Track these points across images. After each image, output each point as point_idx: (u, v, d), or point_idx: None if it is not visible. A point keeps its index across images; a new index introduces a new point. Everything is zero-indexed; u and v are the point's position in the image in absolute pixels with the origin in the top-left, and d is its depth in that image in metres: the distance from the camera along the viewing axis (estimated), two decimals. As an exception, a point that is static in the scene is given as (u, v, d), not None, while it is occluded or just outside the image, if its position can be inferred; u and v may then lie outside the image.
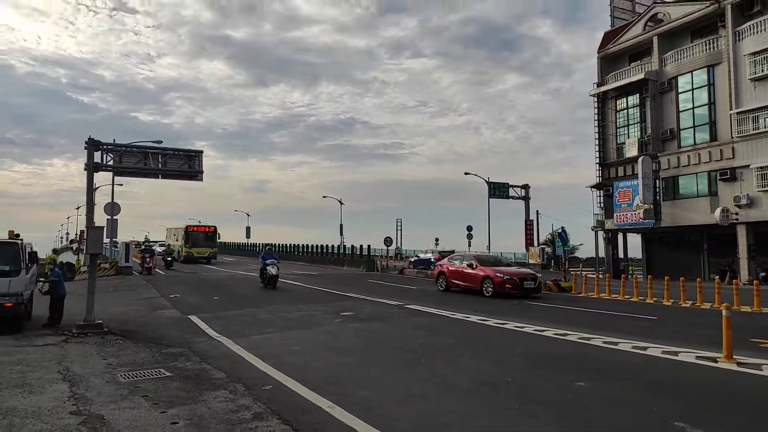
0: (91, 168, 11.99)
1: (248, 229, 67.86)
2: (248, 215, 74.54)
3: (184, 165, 13.46)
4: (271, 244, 53.79)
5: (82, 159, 12.35)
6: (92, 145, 11.92)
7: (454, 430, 4.91)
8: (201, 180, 14.06)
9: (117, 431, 4.85)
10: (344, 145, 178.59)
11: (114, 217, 26.52)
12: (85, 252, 26.99)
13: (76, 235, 71.48)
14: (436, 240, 48.90)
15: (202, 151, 13.90)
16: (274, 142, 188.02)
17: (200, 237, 41.72)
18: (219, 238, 44.95)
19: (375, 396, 6.07)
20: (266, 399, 5.89)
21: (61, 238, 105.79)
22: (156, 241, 59.43)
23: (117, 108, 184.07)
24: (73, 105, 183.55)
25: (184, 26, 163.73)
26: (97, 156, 12.09)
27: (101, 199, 45.37)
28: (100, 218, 29.18)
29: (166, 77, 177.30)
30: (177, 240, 43.17)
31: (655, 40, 30.73)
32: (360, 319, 12.45)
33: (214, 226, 42.70)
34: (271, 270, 20.42)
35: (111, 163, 12.47)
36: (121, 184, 55.54)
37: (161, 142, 26.08)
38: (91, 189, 12.40)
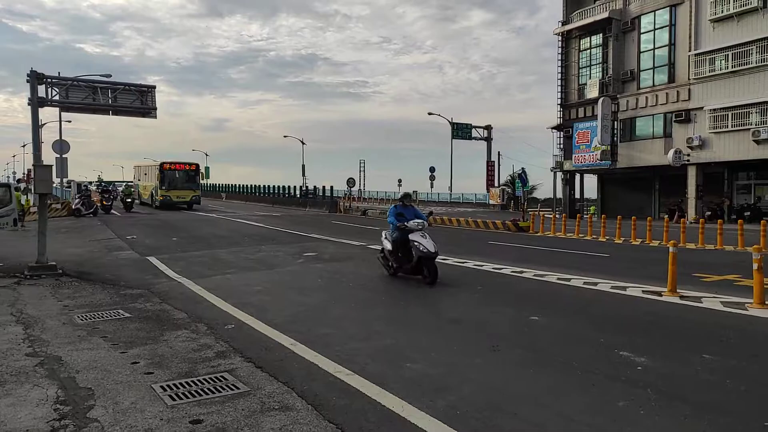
0: (35, 103, 11.30)
1: (207, 169, 66.24)
2: (207, 155, 72.74)
3: (136, 101, 12.83)
4: (408, 193, 38.09)
5: (24, 93, 11.69)
6: (35, 78, 11.18)
7: (414, 362, 5.08)
8: (155, 117, 13.48)
9: (76, 372, 4.81)
10: (306, 83, 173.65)
11: (63, 156, 25.40)
12: (33, 192, 25.90)
13: (24, 174, 68.37)
14: (399, 181, 49.09)
15: (155, 86, 13.25)
16: (232, 78, 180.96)
17: (179, 177, 34.86)
18: (203, 178, 39.41)
19: (337, 333, 6.19)
20: (228, 338, 5.93)
21: (8, 177, 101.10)
22: (114, 182, 56.66)
23: (61, 38, 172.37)
24: (10, 33, 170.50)
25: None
26: (41, 90, 11.38)
27: (49, 136, 42.81)
28: (49, 157, 27.78)
29: (113, 5, 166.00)
30: (149, 181, 38.05)
31: (621, -22, 30.36)
32: (323, 260, 12.53)
33: (196, 164, 36.89)
34: (423, 243, 9.34)
35: (57, 98, 11.78)
36: (69, 121, 52.78)
37: (110, 75, 24.72)
38: (36, 125, 11.74)
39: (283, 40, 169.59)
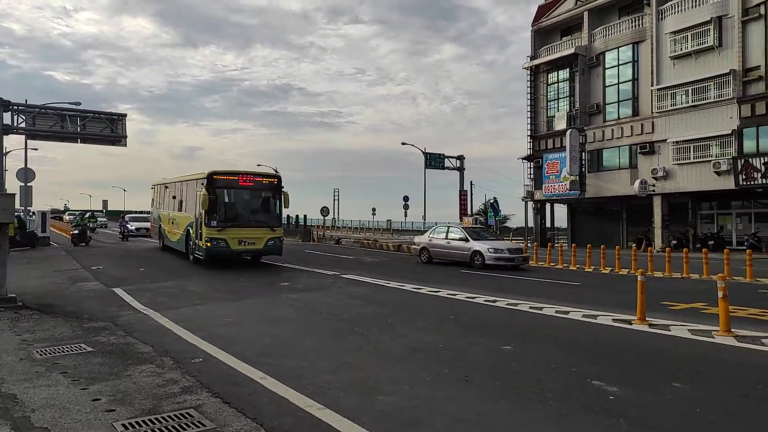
0: (0, 131, 11.05)
1: (178, 197, 65.53)
2: (178, 183, 71.67)
3: (106, 129, 12.73)
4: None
5: (-12, 120, 11.33)
6: (1, 105, 10.96)
7: (386, 395, 4.99)
8: (125, 145, 13.43)
9: (31, 410, 4.57)
10: (280, 112, 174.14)
11: (28, 184, 24.71)
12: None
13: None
14: (373, 210, 49.16)
15: (125, 115, 13.23)
16: (205, 106, 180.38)
17: (246, 200, 17.78)
18: (287, 205, 18.16)
19: (308, 366, 6.05)
20: (196, 372, 5.74)
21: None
22: (86, 211, 54.12)
23: (30, 65, 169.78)
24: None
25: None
26: (6, 117, 11.16)
27: (14, 164, 40.99)
28: (13, 185, 27.01)
29: (85, 33, 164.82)
30: (184, 209, 19.84)
31: (586, 15, 31.63)
32: (296, 290, 12.36)
33: (277, 177, 18.59)
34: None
35: (23, 125, 11.62)
36: (36, 149, 51.70)
37: (80, 103, 24.32)
38: (0, 153, 11.44)
39: (257, 70, 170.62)
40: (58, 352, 6.63)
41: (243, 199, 17.37)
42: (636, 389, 5.17)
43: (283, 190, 17.55)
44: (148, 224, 33.74)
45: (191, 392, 5.06)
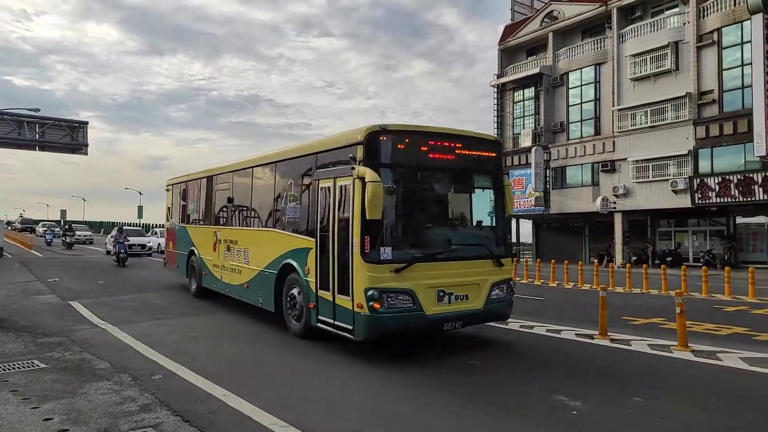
0: (-49, 136, 10.59)
1: (140, 208, 63.65)
2: (140, 193, 70.09)
3: (66, 137, 12.46)
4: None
5: (-61, 125, 10.85)
6: (-48, 110, 10.51)
7: (352, 412, 4.93)
8: (86, 154, 13.20)
9: (-23, 432, 4.34)
10: (248, 123, 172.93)
11: (-19, 192, 23.67)
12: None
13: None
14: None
15: (87, 122, 12.98)
16: (171, 116, 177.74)
17: (441, 197, 7.81)
18: (510, 210, 8.44)
19: (275, 383, 5.95)
20: (155, 389, 5.56)
21: None
22: (66, 222, 50.28)
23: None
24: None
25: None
26: (-42, 123, 10.70)
27: None
28: (-36, 193, 25.88)
29: (46, 38, 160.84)
30: (267, 216, 9.81)
31: (551, 36, 32.53)
32: (254, 307, 12.13)
33: (496, 142, 8.36)
34: None
35: (-24, 131, 11.10)
36: (-9, 156, 49.67)
37: (39, 110, 23.60)
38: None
39: (226, 80, 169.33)
40: (9, 369, 6.33)
41: (437, 196, 7.79)
42: (599, 404, 5.25)
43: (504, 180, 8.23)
44: (149, 240, 29.69)
45: (150, 410, 4.89)
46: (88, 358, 6.91)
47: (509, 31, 35.86)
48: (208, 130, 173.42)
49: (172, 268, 14.86)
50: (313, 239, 7.62)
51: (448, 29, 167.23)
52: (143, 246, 28.25)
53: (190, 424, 4.55)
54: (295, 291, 8.23)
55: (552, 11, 33.18)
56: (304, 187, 8.27)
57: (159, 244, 28.26)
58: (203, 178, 12.79)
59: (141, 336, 8.33)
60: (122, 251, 21.73)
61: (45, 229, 48.85)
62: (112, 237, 25.01)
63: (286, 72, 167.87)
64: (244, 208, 10.81)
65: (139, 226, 60.79)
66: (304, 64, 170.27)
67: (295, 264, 8.13)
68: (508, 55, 35.88)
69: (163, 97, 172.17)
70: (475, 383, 5.98)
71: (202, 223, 12.81)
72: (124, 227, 28.05)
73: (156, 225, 52.31)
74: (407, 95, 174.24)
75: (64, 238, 34.00)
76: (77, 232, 36.68)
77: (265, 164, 9.94)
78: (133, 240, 26.38)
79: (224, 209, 11.59)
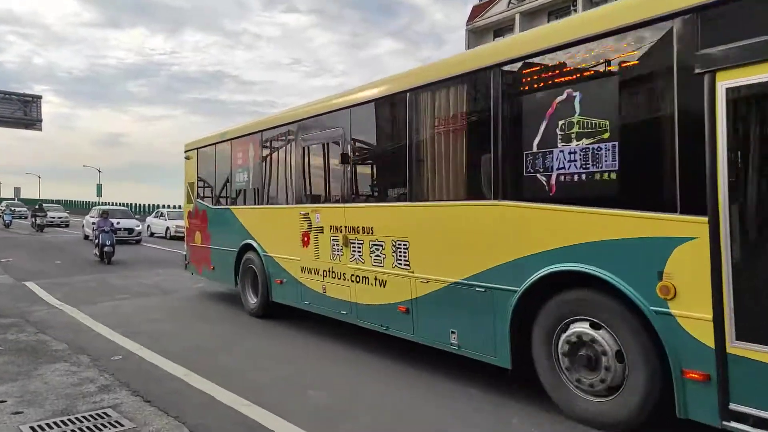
0: None
1: (99, 186, 61.76)
2: (99, 171, 67.82)
3: (18, 111, 11.94)
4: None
5: None
6: None
7: (317, 389, 4.96)
8: (40, 129, 12.57)
9: (-74, 416, 4.20)
10: (212, 100, 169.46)
11: (-73, 169, 22.52)
12: None
13: None
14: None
15: (40, 96, 12.51)
16: (131, 91, 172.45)
17: None
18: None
19: (240, 363, 5.92)
20: (114, 370, 5.47)
21: None
22: (36, 201, 45.04)
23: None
24: None
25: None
26: None
27: None
28: None
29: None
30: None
31: (517, 17, 32.66)
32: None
33: None
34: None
35: None
36: (-63, 131, 46.86)
37: (-12, 83, 22.50)
38: None
39: (188, 55, 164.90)
40: (-41, 352, 6.12)
41: None
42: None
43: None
44: (137, 223, 23.87)
45: (109, 391, 4.82)
46: (45, 340, 6.73)
47: (477, 11, 35.83)
48: (171, 106, 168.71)
49: (203, 271, 10.15)
50: (704, 218, 3.34)
51: (417, 8, 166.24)
52: (131, 231, 23.05)
53: (150, 404, 4.50)
54: (603, 342, 3.95)
55: (519, -8, 33.28)
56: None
57: (168, 229, 26.35)
58: (271, 130, 8.02)
59: (100, 316, 8.16)
60: (108, 243, 15.44)
61: (3, 208, 40.61)
62: (93, 223, 18.58)
63: (251, 48, 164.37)
64: (393, 168, 6.01)
65: (102, 204, 58.67)
66: (270, 40, 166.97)
67: (613, 278, 3.79)
68: (476, 36, 35.88)
69: (123, 72, 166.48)
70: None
71: (271, 201, 8.04)
72: (105, 207, 24.26)
73: (122, 204, 49.88)
74: (376, 74, 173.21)
75: (33, 220, 31.17)
76: (50, 213, 32.37)
77: (470, 74, 4.96)
78: (128, 223, 23.18)
79: (330, 176, 6.94)
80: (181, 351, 6.25)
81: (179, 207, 41.04)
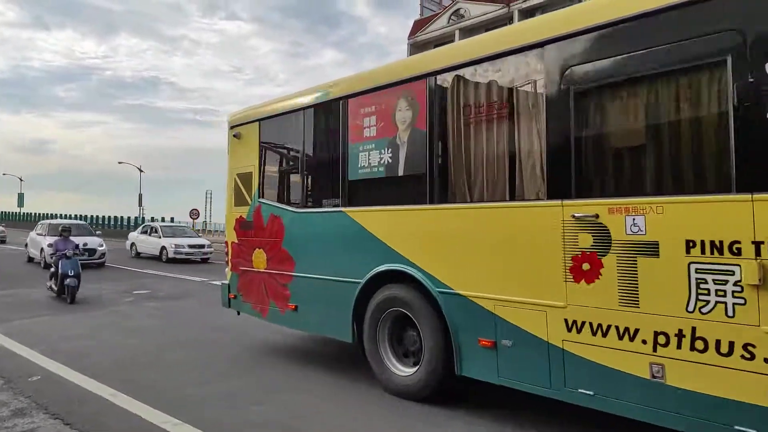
0: None
1: (21, 196, 58.13)
2: (21, 180, 63.72)
3: (-76, 113, 10.78)
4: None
5: None
6: None
7: (259, 404, 4.75)
8: (-48, 133, 11.43)
9: None
10: (147, 106, 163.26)
11: None
12: None
13: None
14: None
15: (-48, 98, 11.28)
16: (58, 95, 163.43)
17: None
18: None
19: (170, 379, 5.59)
20: (32, 392, 5.04)
21: None
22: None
23: None
24: None
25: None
26: None
27: None
28: None
29: None
30: None
31: (457, 33, 33.48)
32: (157, 298, 11.48)
33: None
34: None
35: None
36: None
37: None
38: None
39: (121, 59, 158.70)
40: None
41: None
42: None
43: None
44: (100, 242, 18.46)
45: (24, 415, 4.42)
46: (-50, 361, 6.14)
47: (418, 26, 36.50)
48: (102, 112, 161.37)
49: (270, 313, 6.47)
50: None
51: (360, 20, 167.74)
52: (93, 252, 17.73)
53: (71, 426, 4.16)
54: None
55: (459, 9, 34.17)
56: None
57: (164, 249, 20.62)
58: (465, 66, 4.65)
59: (17, 334, 7.55)
60: (71, 272, 10.71)
61: None
62: (51, 245, 14.09)
63: (190, 54, 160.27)
64: None
65: (20, 216, 54.76)
66: (210, 47, 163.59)
67: None
68: (418, 50, 36.45)
69: (50, 75, 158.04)
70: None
71: (461, 196, 4.68)
72: (65, 222, 18.78)
73: (109, 220, 45.58)
74: (317, 84, 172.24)
75: None
76: None
77: None
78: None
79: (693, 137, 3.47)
80: (108, 368, 5.85)
81: (170, 220, 38.61)
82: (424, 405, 4.74)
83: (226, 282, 7.19)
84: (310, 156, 6.26)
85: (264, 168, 6.79)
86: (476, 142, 4.57)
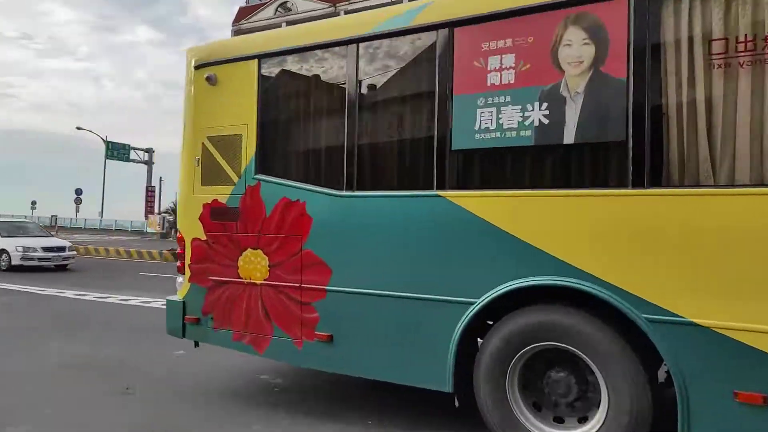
0: None
1: None
2: None
3: None
4: None
5: None
6: None
7: (18, 424, 4.07)
8: None
9: None
10: None
11: None
12: None
13: None
14: (33, 203, 41.76)
15: None
16: None
17: None
18: None
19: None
20: None
21: None
22: None
23: None
24: None
25: None
26: None
27: None
28: None
29: None
30: None
31: (284, 26, 33.13)
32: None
33: None
34: None
35: None
36: None
37: None
38: None
39: None
40: None
41: None
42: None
43: None
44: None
45: None
46: None
47: (244, 13, 35.35)
48: None
49: (269, 346, 4.41)
50: None
51: (179, 0, 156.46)
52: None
53: None
54: None
55: (286, 2, 33.88)
56: None
57: (3, 252, 15.68)
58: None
59: None
60: None
61: None
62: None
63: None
64: None
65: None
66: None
67: None
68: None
69: None
70: (179, 374, 5.59)
71: None
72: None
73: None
74: (129, 63, 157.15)
75: None
76: None
77: None
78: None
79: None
80: None
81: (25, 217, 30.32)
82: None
83: (178, 299, 5.02)
84: (368, 112, 4.24)
85: (266, 128, 4.51)
86: (730, 91, 2.93)
